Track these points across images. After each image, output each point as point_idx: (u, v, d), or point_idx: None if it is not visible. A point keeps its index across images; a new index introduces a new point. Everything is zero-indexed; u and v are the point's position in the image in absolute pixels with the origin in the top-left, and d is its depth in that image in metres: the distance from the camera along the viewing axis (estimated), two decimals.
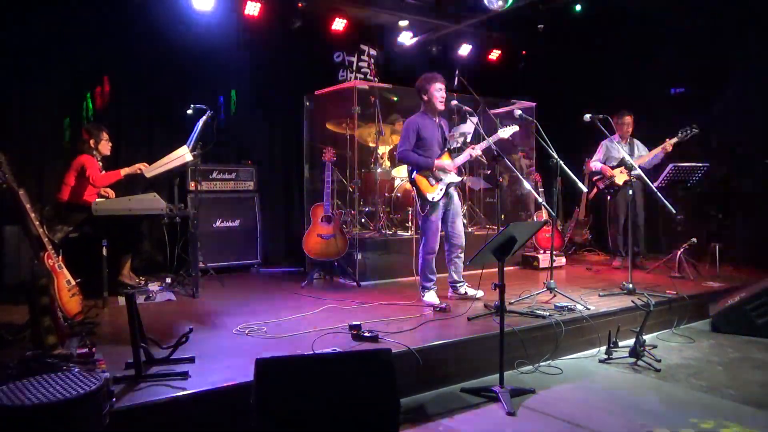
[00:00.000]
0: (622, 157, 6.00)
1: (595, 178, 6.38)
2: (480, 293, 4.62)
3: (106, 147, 5.03)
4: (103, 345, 3.30)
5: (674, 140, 5.85)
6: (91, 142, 4.92)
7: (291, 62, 6.96)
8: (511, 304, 4.37)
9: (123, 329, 3.32)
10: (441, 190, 4.53)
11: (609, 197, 6.34)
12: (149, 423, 2.54)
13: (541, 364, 3.77)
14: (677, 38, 7.27)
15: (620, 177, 6.08)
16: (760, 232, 6.69)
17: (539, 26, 6.88)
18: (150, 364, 2.91)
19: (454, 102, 4.81)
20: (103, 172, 4.95)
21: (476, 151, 4.65)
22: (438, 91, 4.51)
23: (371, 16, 7.20)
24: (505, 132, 4.69)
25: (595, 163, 6.34)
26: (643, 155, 6.13)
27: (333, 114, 6.34)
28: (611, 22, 7.51)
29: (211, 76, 6.37)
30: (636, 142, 6.33)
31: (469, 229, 6.55)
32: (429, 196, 4.50)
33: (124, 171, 4.96)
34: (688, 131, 5.77)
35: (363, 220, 6.43)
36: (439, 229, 4.61)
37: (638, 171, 5.30)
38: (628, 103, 6.97)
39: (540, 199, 5.24)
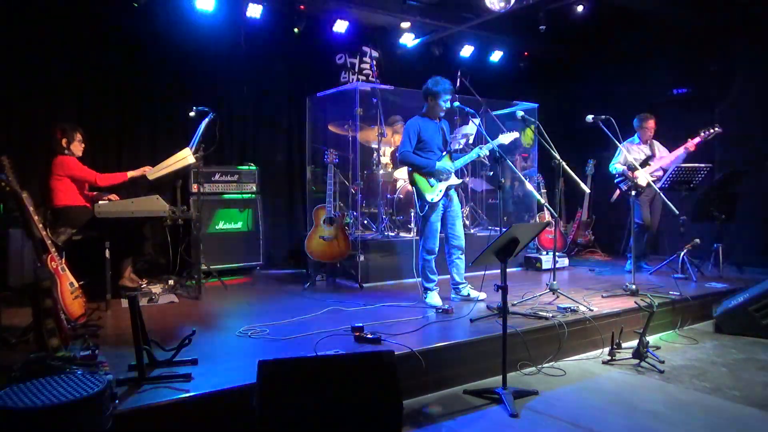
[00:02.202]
0: (643, 159, 5.98)
1: (617, 180, 6.35)
2: (482, 295, 4.62)
3: (78, 148, 4.86)
4: (106, 347, 3.30)
5: (696, 140, 5.82)
6: (64, 141, 4.75)
7: (293, 64, 6.97)
8: (513, 305, 4.37)
9: (126, 331, 3.32)
10: (440, 191, 4.53)
11: (631, 199, 6.29)
12: (152, 425, 2.54)
13: (544, 365, 3.77)
14: (679, 38, 7.26)
15: (643, 178, 6.04)
16: (763, 233, 6.68)
17: (541, 27, 6.87)
18: (153, 366, 2.91)
19: (456, 103, 4.81)
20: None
21: (483, 150, 4.65)
22: (445, 102, 4.57)
23: (373, 18, 7.21)
24: (507, 137, 4.70)
25: (614, 166, 6.30)
26: (664, 156, 6.11)
27: (335, 115, 6.34)
28: (613, 22, 7.51)
29: (214, 78, 6.39)
30: (656, 143, 6.28)
31: (472, 231, 6.54)
32: (428, 197, 4.50)
33: (131, 174, 4.93)
34: (711, 131, 5.74)
35: (365, 221, 6.43)
36: (439, 230, 4.61)
37: (646, 176, 5.28)
38: (630, 103, 6.96)
39: (542, 200, 5.23)
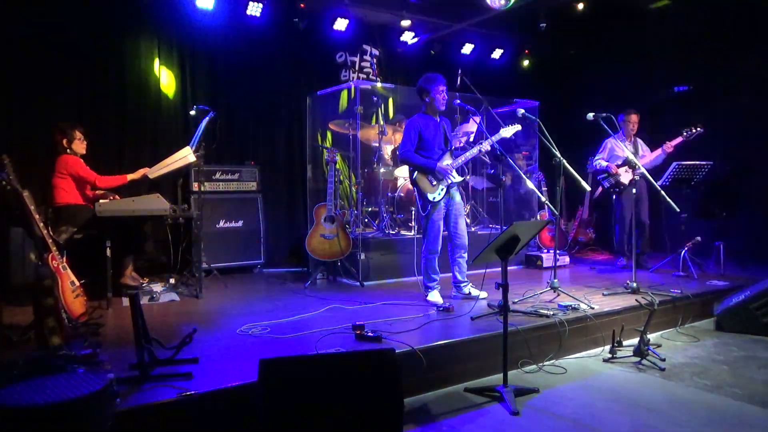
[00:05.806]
0: (627, 156, 5.95)
1: (599, 177, 6.34)
2: (483, 293, 4.62)
3: (80, 146, 4.84)
4: (107, 346, 3.31)
5: (677, 141, 5.81)
6: (64, 141, 4.74)
7: (293, 62, 6.97)
8: (514, 303, 4.36)
9: (127, 330, 3.33)
10: (442, 190, 4.52)
11: (614, 196, 6.30)
12: (153, 424, 2.54)
13: (545, 363, 3.77)
14: (681, 35, 7.24)
15: (625, 176, 6.04)
16: (764, 230, 6.67)
17: (541, 25, 6.86)
18: (154, 364, 2.91)
19: (457, 101, 4.80)
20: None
21: (485, 145, 4.63)
22: (440, 92, 4.53)
23: (373, 16, 7.20)
24: (508, 131, 4.69)
25: (599, 162, 6.29)
26: (645, 155, 6.10)
27: (335, 114, 6.34)
28: (614, 20, 7.49)
29: (214, 76, 6.39)
30: (639, 141, 6.28)
31: (472, 229, 6.54)
32: (430, 196, 4.49)
33: (130, 176, 4.91)
34: (693, 131, 5.71)
35: (366, 219, 6.43)
36: (441, 229, 4.60)
37: (643, 170, 5.27)
38: (631, 101, 6.95)
39: (543, 198, 5.22)
